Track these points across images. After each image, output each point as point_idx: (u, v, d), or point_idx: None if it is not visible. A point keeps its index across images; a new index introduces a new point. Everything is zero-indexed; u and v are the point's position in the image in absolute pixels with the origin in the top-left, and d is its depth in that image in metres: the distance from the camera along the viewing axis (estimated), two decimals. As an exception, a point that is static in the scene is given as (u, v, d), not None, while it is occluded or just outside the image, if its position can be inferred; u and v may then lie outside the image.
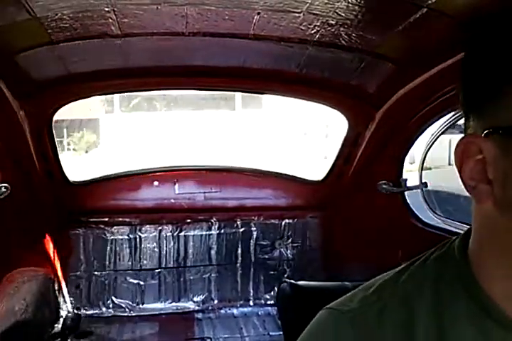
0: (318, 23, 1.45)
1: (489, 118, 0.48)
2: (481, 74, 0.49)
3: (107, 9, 1.38)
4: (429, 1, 1.17)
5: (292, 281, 1.57)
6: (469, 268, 0.51)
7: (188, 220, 2.82)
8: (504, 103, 0.46)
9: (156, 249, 2.82)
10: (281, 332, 2.42)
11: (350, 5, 1.30)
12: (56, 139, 2.30)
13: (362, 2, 1.28)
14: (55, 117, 2.16)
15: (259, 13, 1.42)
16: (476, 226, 0.53)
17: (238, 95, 12.40)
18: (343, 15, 1.36)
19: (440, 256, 0.55)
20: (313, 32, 1.52)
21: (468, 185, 0.49)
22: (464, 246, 0.54)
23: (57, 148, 2.36)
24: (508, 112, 0.45)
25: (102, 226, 2.75)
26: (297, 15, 1.41)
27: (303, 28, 1.49)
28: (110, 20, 1.46)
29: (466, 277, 0.51)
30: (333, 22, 1.42)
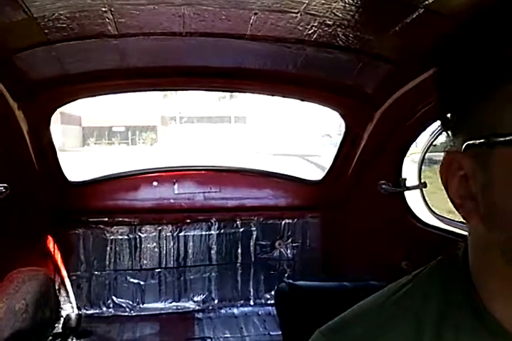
0: (315, 24, 1.45)
1: (465, 133, 0.47)
2: (451, 91, 0.49)
3: (103, 9, 1.37)
4: (426, 2, 1.17)
5: (291, 281, 1.56)
6: (474, 287, 0.49)
7: (188, 220, 2.82)
8: (475, 118, 0.46)
9: (156, 249, 2.82)
10: (281, 332, 2.43)
11: (347, 5, 1.29)
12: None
13: (359, 2, 1.28)
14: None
15: (256, 14, 1.42)
16: (470, 245, 0.51)
17: (233, 116, 21.64)
18: (340, 15, 1.36)
19: (444, 271, 0.53)
20: (310, 32, 1.51)
21: (456, 203, 0.48)
22: (466, 261, 0.52)
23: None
24: (479, 126, 0.45)
25: (102, 226, 2.75)
26: (294, 15, 1.40)
27: (300, 28, 1.49)
28: (107, 20, 1.45)
29: (472, 299, 0.49)
30: (331, 22, 1.42)
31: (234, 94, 22.67)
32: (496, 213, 0.44)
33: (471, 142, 0.45)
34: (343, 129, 2.35)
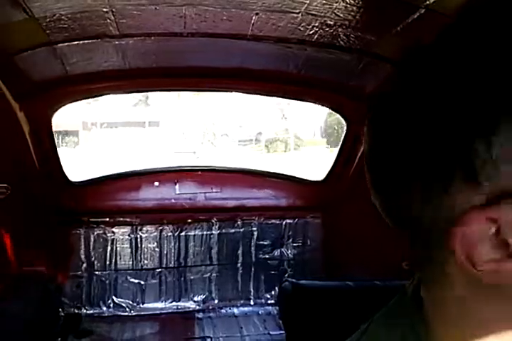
0: (316, 24, 1.45)
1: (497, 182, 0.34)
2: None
3: (105, 10, 1.38)
4: (427, 2, 1.17)
5: (294, 280, 1.56)
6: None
7: (189, 220, 2.82)
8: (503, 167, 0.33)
9: (156, 249, 2.82)
10: (281, 332, 2.42)
11: (348, 6, 1.29)
12: (56, 141, 2.33)
13: (360, 3, 1.28)
14: (56, 128, 2.20)
15: (257, 14, 1.42)
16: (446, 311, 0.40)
17: (147, 121, 24.33)
18: (342, 15, 1.36)
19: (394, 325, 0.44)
20: (311, 33, 1.51)
21: (487, 271, 0.34)
22: (418, 308, 0.42)
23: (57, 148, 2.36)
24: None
25: (103, 226, 2.75)
26: (295, 15, 1.40)
27: (301, 28, 1.49)
28: (108, 21, 1.46)
29: None
30: (332, 23, 1.42)
31: (148, 100, 25.03)
32: None
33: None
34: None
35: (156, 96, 22.00)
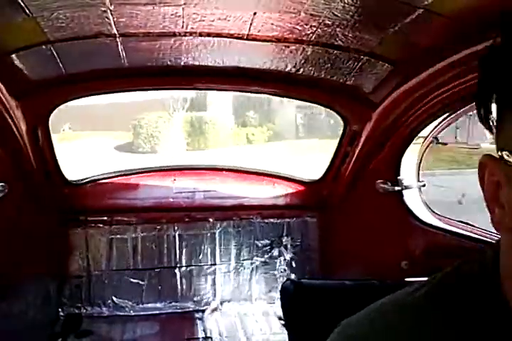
0: (314, 24, 1.45)
1: (502, 139, 0.44)
2: (488, 96, 0.45)
3: (103, 9, 1.38)
4: (426, 2, 1.17)
5: (295, 279, 1.56)
6: (503, 300, 0.45)
7: (187, 219, 2.82)
8: (506, 127, 0.43)
9: (155, 248, 2.81)
10: (282, 331, 2.42)
11: (346, 5, 1.30)
12: None
13: (358, 2, 1.28)
14: None
15: (255, 14, 1.42)
16: (503, 256, 0.47)
17: None
18: (340, 15, 1.36)
19: (466, 289, 0.48)
20: (309, 32, 1.52)
21: (489, 206, 0.45)
22: (495, 268, 0.47)
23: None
24: (507, 137, 0.43)
25: (101, 225, 2.74)
26: (293, 15, 1.40)
27: (299, 28, 1.49)
28: (106, 20, 1.46)
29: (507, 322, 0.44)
30: (330, 22, 1.42)
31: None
32: None
33: (504, 151, 0.43)
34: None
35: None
